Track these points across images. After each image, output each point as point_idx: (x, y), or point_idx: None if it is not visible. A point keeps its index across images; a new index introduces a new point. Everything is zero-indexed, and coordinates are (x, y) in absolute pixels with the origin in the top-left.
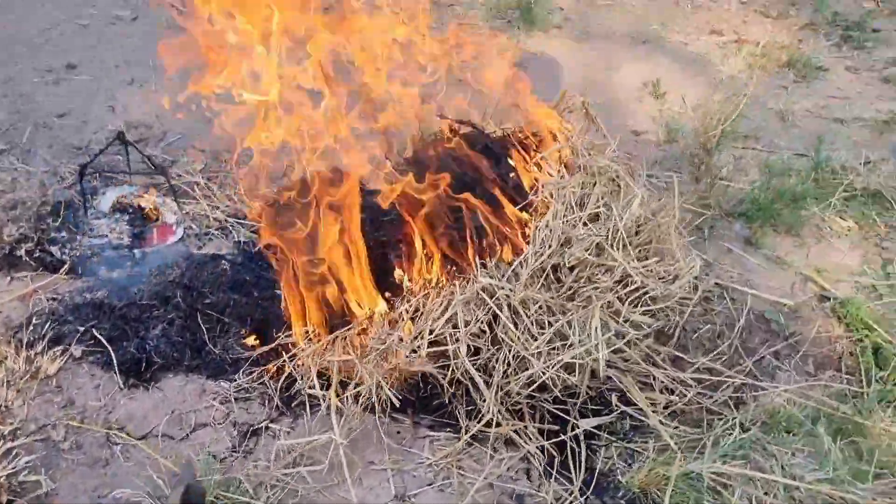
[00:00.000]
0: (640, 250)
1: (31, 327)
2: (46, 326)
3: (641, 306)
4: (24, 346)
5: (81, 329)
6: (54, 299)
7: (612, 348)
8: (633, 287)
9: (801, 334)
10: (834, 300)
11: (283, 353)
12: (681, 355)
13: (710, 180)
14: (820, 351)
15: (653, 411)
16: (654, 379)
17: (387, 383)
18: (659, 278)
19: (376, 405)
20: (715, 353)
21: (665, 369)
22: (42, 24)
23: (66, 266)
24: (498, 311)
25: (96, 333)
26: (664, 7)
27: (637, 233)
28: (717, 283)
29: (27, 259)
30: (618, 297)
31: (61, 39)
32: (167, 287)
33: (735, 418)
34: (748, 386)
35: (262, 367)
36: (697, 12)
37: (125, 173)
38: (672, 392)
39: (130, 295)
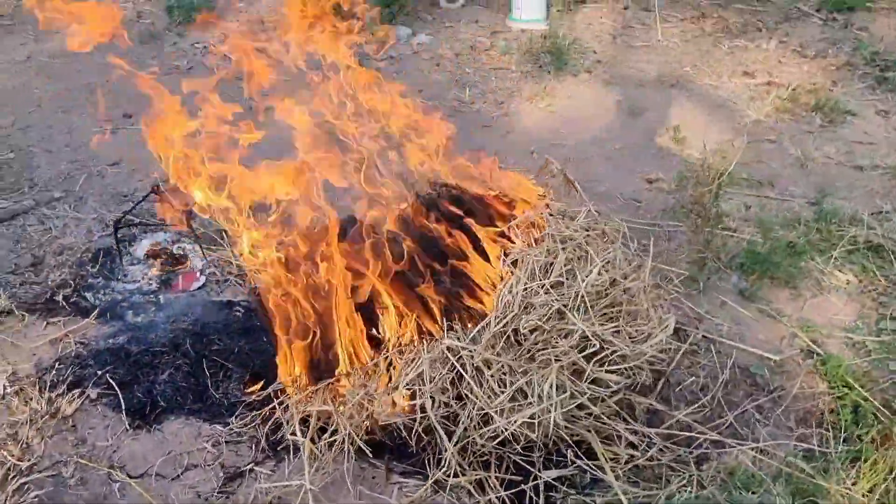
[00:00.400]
0: (611, 312)
1: (57, 370)
2: (69, 370)
3: (611, 365)
4: (48, 388)
5: (99, 373)
6: (81, 343)
7: (570, 406)
8: (595, 348)
9: (784, 389)
10: (817, 356)
11: (275, 398)
12: (660, 408)
13: (710, 231)
14: (802, 406)
15: (613, 466)
16: (616, 436)
17: (361, 431)
18: (630, 338)
19: (348, 452)
20: (696, 405)
21: (630, 424)
22: (107, 73)
23: (95, 311)
24: (461, 370)
25: (109, 378)
26: (701, 47)
27: (607, 295)
28: (704, 336)
29: (63, 304)
30: (584, 357)
31: (123, 89)
32: (179, 334)
33: (693, 475)
34: (716, 442)
35: (256, 412)
36: (734, 53)
37: (161, 223)
38: (636, 447)
39: (147, 340)
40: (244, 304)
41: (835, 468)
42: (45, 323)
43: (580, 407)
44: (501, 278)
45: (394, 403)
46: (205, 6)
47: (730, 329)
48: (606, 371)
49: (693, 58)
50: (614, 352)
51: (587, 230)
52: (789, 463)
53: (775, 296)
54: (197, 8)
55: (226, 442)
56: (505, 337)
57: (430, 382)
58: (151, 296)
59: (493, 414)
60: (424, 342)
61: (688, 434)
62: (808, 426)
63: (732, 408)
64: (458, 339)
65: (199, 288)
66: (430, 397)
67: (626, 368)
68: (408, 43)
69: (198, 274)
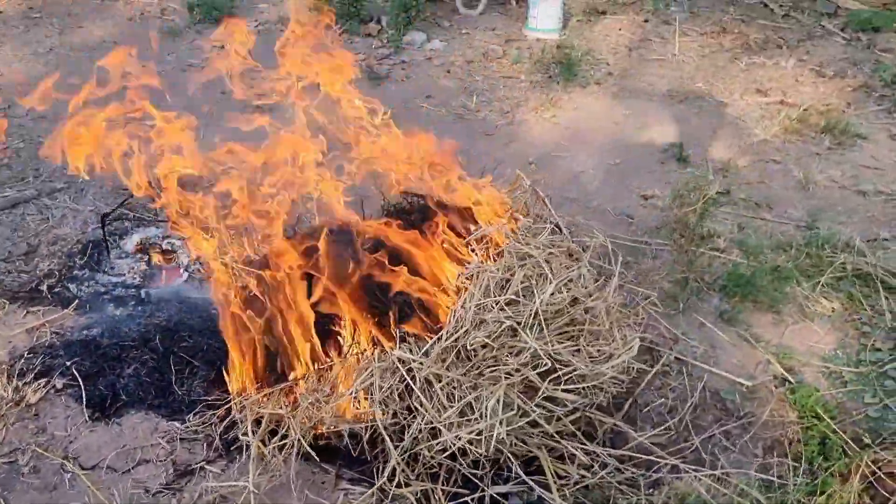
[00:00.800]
0: (572, 330)
1: (27, 359)
2: (39, 359)
3: (569, 384)
4: (17, 376)
5: (68, 364)
6: (57, 333)
7: (519, 423)
8: (547, 366)
9: (754, 416)
10: (788, 384)
11: (234, 398)
12: (625, 428)
13: (694, 250)
14: (771, 435)
15: (562, 485)
16: (570, 455)
17: (309, 436)
18: (590, 358)
19: (297, 455)
20: (662, 428)
21: (585, 444)
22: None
23: (75, 303)
24: (410, 381)
25: (75, 370)
26: (717, 63)
27: (566, 314)
28: (677, 358)
29: (46, 294)
30: (539, 375)
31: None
32: (152, 329)
33: (641, 499)
34: (675, 467)
35: (214, 411)
36: (750, 70)
37: (153, 217)
38: (589, 468)
39: (120, 334)
40: None
41: (792, 500)
42: (25, 311)
43: (533, 424)
44: (458, 292)
45: (345, 410)
46: (226, 5)
47: (705, 352)
48: (563, 390)
49: (707, 73)
50: (573, 371)
51: (551, 247)
52: (743, 492)
53: (756, 320)
54: (217, 7)
55: (181, 439)
56: (455, 351)
57: (380, 391)
58: (133, 290)
59: (440, 427)
60: (376, 352)
61: (646, 457)
62: (774, 455)
63: (700, 432)
64: (411, 350)
65: (182, 284)
66: (381, 406)
67: (584, 388)
68: (421, 48)
69: (181, 270)
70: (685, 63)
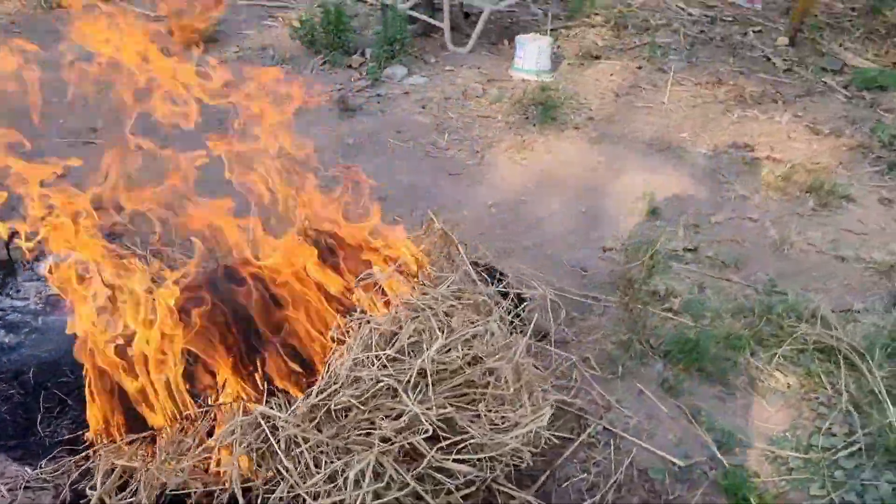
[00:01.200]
0: (473, 394)
1: None
2: None
3: (464, 453)
4: None
5: None
6: None
7: (395, 495)
8: (428, 433)
9: (683, 500)
10: (722, 468)
11: (94, 445)
12: None
13: (641, 309)
14: None
15: None
16: None
17: (154, 494)
18: (491, 425)
19: None
20: None
21: None
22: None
23: None
24: (272, 440)
25: None
26: (707, 114)
27: (462, 374)
28: (606, 428)
29: None
30: (427, 441)
31: (98, 104)
32: (30, 361)
33: None
34: None
35: (70, 458)
36: (741, 122)
37: None
38: None
39: None
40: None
41: None
42: None
43: (417, 497)
44: (340, 343)
45: (208, 467)
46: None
47: (638, 423)
48: (454, 460)
49: (695, 124)
50: (471, 438)
51: (455, 299)
52: None
53: (701, 391)
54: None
55: (26, 487)
56: (326, 410)
57: (241, 448)
58: (31, 316)
59: (304, 495)
60: (240, 406)
61: None
62: None
63: None
64: (280, 406)
65: None
66: (237, 465)
67: (481, 459)
68: (401, 83)
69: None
70: (673, 112)
